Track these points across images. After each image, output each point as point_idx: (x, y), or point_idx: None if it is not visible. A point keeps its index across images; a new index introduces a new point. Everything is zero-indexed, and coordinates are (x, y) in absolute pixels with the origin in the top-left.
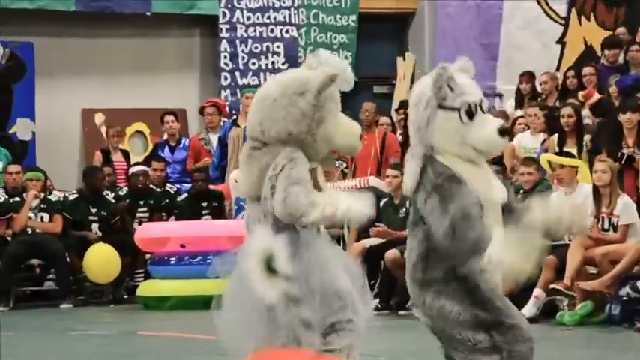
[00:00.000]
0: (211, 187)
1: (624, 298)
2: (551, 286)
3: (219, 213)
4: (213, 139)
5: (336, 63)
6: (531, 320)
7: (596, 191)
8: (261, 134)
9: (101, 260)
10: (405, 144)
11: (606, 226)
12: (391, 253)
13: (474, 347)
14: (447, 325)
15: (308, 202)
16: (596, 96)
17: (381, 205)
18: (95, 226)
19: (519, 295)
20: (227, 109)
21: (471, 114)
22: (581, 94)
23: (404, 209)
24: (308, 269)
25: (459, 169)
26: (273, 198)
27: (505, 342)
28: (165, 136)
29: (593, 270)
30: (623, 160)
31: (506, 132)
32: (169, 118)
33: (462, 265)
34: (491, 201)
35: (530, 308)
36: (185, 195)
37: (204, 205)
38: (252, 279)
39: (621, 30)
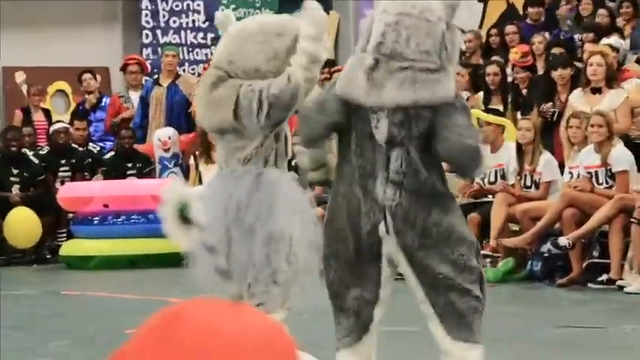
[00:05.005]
0: (135, 146)
1: (545, 254)
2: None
3: (143, 174)
4: (134, 97)
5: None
6: None
7: (520, 148)
8: (228, 64)
9: (21, 226)
10: None
11: (529, 183)
12: (318, 210)
13: None
14: None
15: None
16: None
17: None
18: (16, 187)
19: None
20: (148, 67)
21: None
22: (514, 50)
23: None
24: (252, 211)
25: None
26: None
27: None
28: (86, 95)
29: (515, 227)
30: (554, 116)
31: None
32: (87, 76)
33: None
34: None
35: None
36: (112, 153)
37: (130, 165)
38: (167, 228)
39: None
